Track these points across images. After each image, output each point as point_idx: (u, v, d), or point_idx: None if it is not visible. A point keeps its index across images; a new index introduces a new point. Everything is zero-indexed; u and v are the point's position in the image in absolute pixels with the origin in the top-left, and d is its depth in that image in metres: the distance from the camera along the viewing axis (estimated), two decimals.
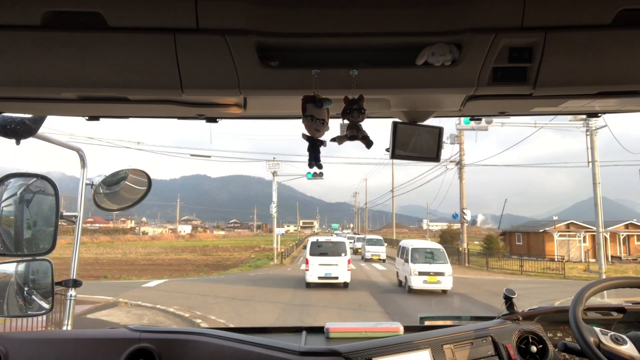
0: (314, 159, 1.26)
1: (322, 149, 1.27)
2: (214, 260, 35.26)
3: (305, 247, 21.30)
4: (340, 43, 1.12)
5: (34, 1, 0.98)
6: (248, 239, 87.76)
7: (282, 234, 35.77)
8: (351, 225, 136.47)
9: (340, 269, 17.00)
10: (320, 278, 16.93)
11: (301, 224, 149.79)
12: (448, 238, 44.43)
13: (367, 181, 77.01)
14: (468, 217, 30.16)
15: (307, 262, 17.33)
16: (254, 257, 35.81)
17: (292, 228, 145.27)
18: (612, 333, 1.50)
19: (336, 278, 17.01)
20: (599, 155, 19.02)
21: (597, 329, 1.50)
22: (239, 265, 29.67)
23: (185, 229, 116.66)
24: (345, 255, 17.31)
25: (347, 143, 1.28)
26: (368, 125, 1.27)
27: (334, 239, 19.53)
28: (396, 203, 50.93)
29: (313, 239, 18.92)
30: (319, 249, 17.41)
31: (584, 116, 1.82)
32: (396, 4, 1.03)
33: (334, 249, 17.40)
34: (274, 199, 30.85)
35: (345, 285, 17.25)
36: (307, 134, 1.24)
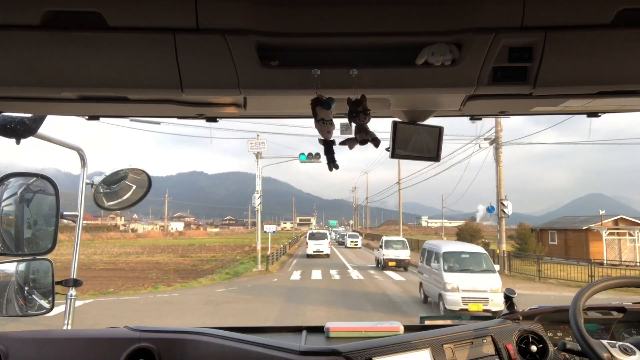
0: (331, 160, 1.28)
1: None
2: (190, 263, 29.56)
3: (306, 237, 35.99)
4: (340, 43, 1.12)
5: (34, 1, 0.98)
6: (240, 236, 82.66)
7: (273, 231, 29.04)
8: (351, 222, 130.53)
9: (324, 247, 32.95)
10: (314, 252, 32.55)
11: (298, 221, 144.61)
12: (467, 236, 38.07)
13: (367, 174, 71.40)
14: (509, 211, 23.08)
15: (306, 244, 33.92)
16: (238, 260, 30.08)
17: (288, 225, 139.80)
18: (620, 343, 1.47)
19: (322, 252, 32.66)
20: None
21: (605, 342, 1.47)
22: (215, 271, 23.61)
23: (177, 226, 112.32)
24: (327, 239, 34.01)
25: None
26: (368, 124, 1.28)
27: (322, 230, 40.93)
28: (395, 200, 46.21)
29: (310, 231, 38.02)
30: (313, 236, 34.57)
31: None
32: (396, 3, 1.02)
33: (321, 236, 34.41)
34: (258, 187, 24.08)
35: (327, 255, 32.88)
36: (322, 137, 1.25)
